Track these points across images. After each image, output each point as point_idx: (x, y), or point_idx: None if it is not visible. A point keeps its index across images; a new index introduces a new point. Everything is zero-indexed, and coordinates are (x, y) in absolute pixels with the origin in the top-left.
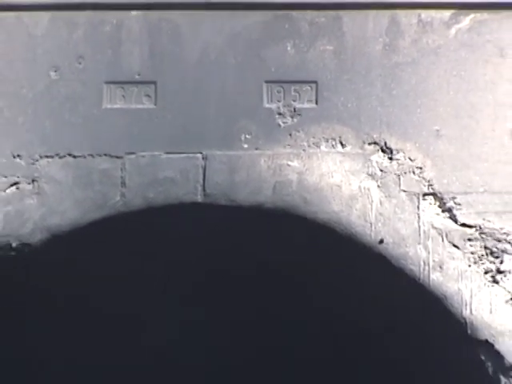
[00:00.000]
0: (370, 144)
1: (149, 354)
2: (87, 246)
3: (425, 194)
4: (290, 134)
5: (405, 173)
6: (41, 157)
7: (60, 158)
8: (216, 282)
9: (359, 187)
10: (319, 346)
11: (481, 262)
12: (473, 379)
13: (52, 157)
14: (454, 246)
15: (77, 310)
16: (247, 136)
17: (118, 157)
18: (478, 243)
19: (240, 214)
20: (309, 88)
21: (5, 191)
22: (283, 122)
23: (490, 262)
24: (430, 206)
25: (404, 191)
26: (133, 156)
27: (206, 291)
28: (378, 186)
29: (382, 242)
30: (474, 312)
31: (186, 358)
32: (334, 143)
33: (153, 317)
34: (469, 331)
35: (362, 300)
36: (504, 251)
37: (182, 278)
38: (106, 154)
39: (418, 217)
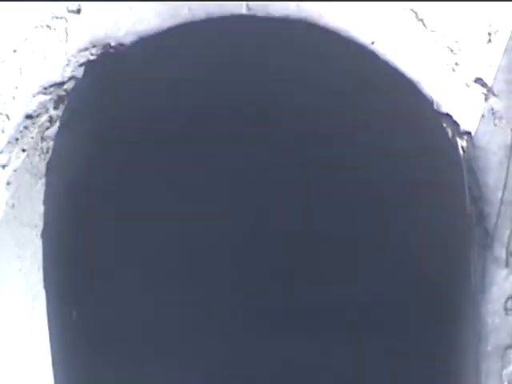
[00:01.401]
0: None
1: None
2: (165, 45)
3: None
4: None
5: None
6: None
7: None
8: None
9: None
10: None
11: None
12: (437, 140)
13: None
14: None
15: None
16: None
17: None
18: None
19: (272, 22)
20: None
21: None
22: None
23: None
24: None
25: None
26: None
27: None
28: None
29: (373, 43)
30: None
31: None
32: None
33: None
34: (435, 106)
35: (357, 84)
36: None
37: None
38: None
39: None
